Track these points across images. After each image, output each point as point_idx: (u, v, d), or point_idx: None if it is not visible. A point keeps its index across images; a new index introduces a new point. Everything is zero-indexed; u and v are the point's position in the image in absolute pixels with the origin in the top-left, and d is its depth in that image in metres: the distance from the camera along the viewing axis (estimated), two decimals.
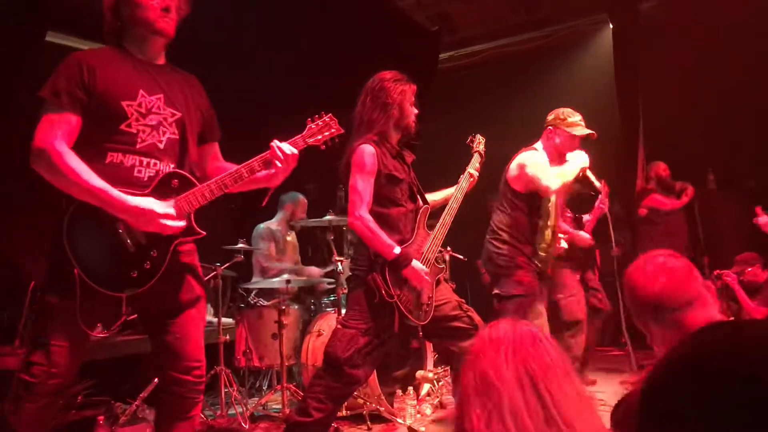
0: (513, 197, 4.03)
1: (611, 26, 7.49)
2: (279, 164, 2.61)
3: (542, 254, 4.08)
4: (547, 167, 3.97)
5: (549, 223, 4.15)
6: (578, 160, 4.00)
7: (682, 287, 1.83)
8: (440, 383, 4.90)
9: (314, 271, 5.79)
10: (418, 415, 4.36)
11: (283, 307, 4.59)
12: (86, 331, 2.28)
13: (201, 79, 2.73)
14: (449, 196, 3.54)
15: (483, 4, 7.77)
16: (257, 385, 5.56)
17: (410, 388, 4.43)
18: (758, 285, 5.51)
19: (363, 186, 3.16)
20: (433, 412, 4.47)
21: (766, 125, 6.66)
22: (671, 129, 6.92)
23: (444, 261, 5.15)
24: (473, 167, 3.68)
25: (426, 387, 4.69)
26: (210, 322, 5.53)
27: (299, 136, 2.72)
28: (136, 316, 2.64)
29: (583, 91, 7.56)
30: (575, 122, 4.07)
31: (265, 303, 5.13)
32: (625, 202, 6.82)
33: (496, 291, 3.99)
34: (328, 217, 4.97)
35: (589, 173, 4.04)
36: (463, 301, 3.41)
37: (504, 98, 8.07)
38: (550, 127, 4.13)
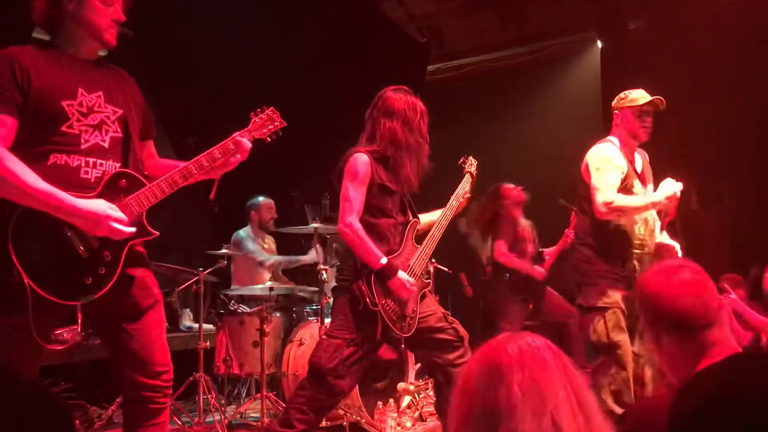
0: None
1: (599, 44, 7.55)
2: (239, 156, 2.58)
3: (637, 253, 3.72)
4: (612, 174, 3.64)
5: (643, 217, 3.76)
6: (659, 195, 3.60)
7: (710, 306, 1.77)
8: (421, 395, 4.87)
9: (310, 257, 5.70)
10: (399, 428, 4.32)
11: (266, 315, 4.55)
12: (42, 344, 2.17)
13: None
14: (433, 222, 3.48)
15: (474, 18, 7.82)
16: (236, 392, 5.50)
17: (391, 400, 4.39)
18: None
19: (354, 194, 3.15)
20: (413, 425, 4.44)
21: (749, 147, 6.75)
22: (656, 147, 6.97)
23: (429, 273, 5.14)
24: (463, 188, 3.62)
25: (407, 399, 4.66)
26: (190, 328, 5.48)
27: (245, 129, 2.68)
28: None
29: (570, 108, 7.63)
30: (637, 97, 3.75)
31: (247, 310, 5.08)
32: None
33: (579, 302, 3.76)
34: (313, 225, 4.94)
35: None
36: (448, 313, 3.39)
37: (492, 112, 8.11)
38: (616, 111, 3.85)
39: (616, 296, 3.61)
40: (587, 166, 3.73)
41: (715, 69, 6.63)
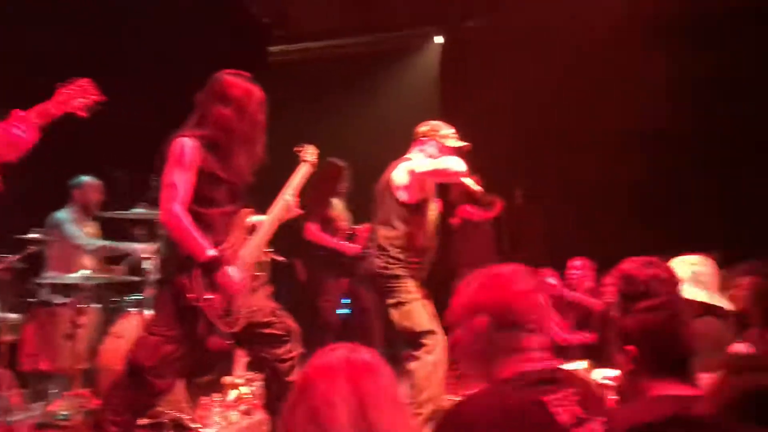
0: (401, 210, 3.91)
1: (438, 40, 7.74)
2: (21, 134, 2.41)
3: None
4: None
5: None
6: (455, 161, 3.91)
7: (530, 311, 1.70)
8: (249, 389, 4.75)
9: (137, 246, 5.31)
10: (224, 423, 4.19)
11: (81, 306, 4.23)
12: None
13: None
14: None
15: (319, 3, 7.72)
16: (44, 390, 5.07)
17: (216, 395, 4.25)
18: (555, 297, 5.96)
19: (179, 180, 2.96)
20: (241, 419, 4.32)
21: (570, 147, 7.25)
22: (486, 143, 7.28)
23: (262, 265, 5.01)
24: (300, 177, 3.53)
25: (233, 393, 4.52)
26: None
27: (48, 102, 2.48)
28: None
29: (410, 101, 7.76)
30: (449, 134, 4.04)
31: (61, 300, 4.68)
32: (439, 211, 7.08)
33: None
34: (138, 210, 4.63)
35: (466, 180, 3.99)
36: (278, 307, 3.33)
37: (333, 99, 8.06)
38: (423, 138, 4.05)
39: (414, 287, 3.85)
40: (409, 172, 3.87)
41: (552, 70, 7.02)
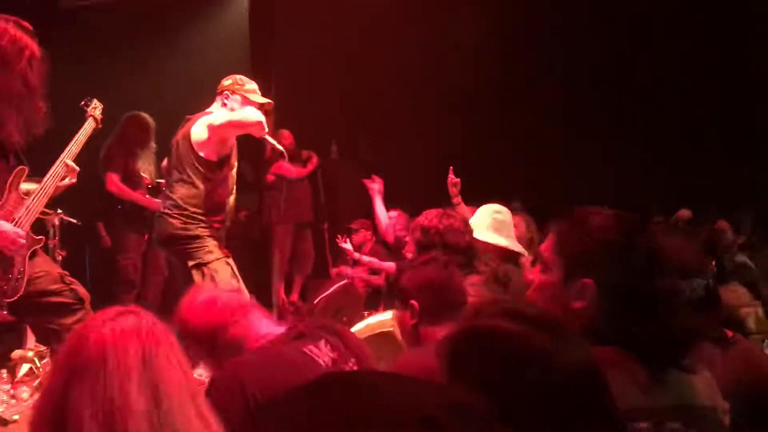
0: (201, 167, 3.65)
1: None
2: None
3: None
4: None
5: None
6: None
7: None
8: (43, 361, 4.38)
9: None
10: (13, 401, 3.83)
11: None
12: None
13: None
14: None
15: None
16: None
17: (3, 371, 3.87)
18: (370, 246, 6.08)
19: None
20: (31, 395, 3.98)
21: (385, 103, 7.36)
22: (301, 99, 7.20)
23: (54, 227, 4.60)
24: (85, 133, 3.27)
25: (25, 367, 4.15)
26: None
27: None
28: None
29: (219, 52, 7.42)
30: (253, 89, 3.84)
31: None
32: (254, 167, 6.93)
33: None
34: None
35: (267, 136, 3.81)
36: (66, 273, 3.07)
37: (141, 52, 7.50)
38: (227, 92, 3.81)
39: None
40: (208, 127, 3.66)
41: (364, 24, 7.02)
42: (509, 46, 7.38)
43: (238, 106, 3.77)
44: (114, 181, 5.28)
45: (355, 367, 1.85)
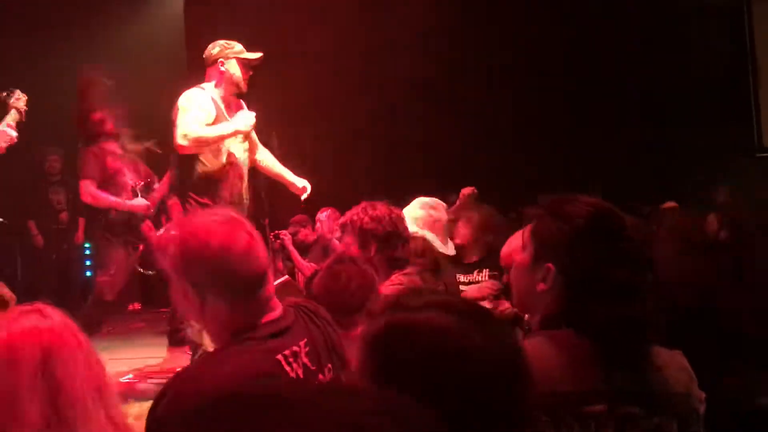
0: None
1: None
2: None
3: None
4: (196, 113, 3.67)
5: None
6: (239, 122, 3.76)
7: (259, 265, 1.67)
8: None
9: None
10: None
11: None
12: None
13: None
14: None
15: None
16: None
17: None
18: (309, 245, 6.08)
19: None
20: None
21: (335, 97, 7.35)
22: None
23: None
24: (5, 125, 3.18)
25: None
26: None
27: None
28: None
29: (154, 44, 7.28)
30: (242, 49, 3.85)
31: None
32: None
33: None
34: None
35: (253, 135, 3.84)
36: None
37: (77, 41, 7.26)
38: (220, 60, 3.79)
39: None
40: (176, 110, 3.72)
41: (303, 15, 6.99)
42: (451, 42, 7.47)
43: (236, 70, 3.82)
44: (87, 191, 4.54)
45: (330, 375, 1.64)
